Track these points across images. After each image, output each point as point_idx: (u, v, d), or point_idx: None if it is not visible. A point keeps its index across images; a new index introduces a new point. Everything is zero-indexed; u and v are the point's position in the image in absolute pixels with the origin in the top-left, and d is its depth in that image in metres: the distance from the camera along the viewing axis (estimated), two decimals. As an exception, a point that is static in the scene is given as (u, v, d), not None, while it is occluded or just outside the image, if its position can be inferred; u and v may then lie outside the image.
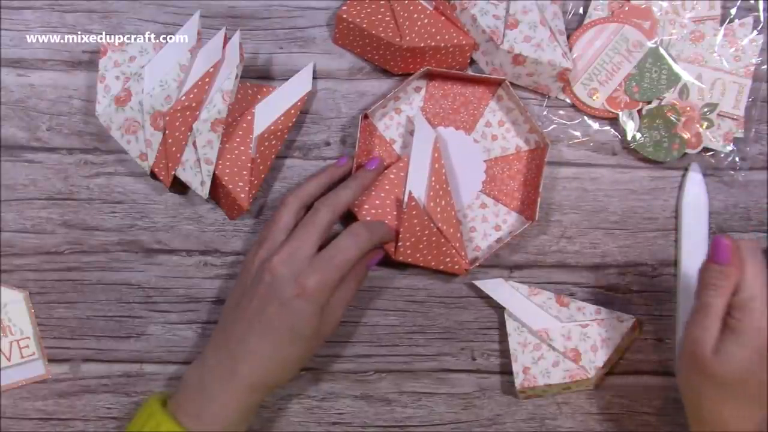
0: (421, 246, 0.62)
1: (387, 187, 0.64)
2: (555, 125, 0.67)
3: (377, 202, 0.63)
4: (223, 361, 0.56)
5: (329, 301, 0.58)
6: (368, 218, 0.63)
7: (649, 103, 0.67)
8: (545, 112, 0.67)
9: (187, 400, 0.56)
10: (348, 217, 0.64)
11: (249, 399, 0.56)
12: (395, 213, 0.63)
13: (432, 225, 0.62)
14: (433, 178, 0.63)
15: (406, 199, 0.62)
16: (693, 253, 0.66)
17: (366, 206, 0.63)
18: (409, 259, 0.63)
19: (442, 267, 0.63)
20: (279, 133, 0.64)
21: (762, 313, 0.51)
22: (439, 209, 0.63)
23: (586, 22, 0.67)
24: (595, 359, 0.64)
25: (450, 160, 0.66)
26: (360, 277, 0.61)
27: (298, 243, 0.57)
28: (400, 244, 0.62)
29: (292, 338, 0.56)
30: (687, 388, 0.56)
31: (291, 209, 0.60)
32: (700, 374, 0.53)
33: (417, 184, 0.63)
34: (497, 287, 0.65)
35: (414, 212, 0.62)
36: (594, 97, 0.67)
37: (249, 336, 0.56)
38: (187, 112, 0.62)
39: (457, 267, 0.63)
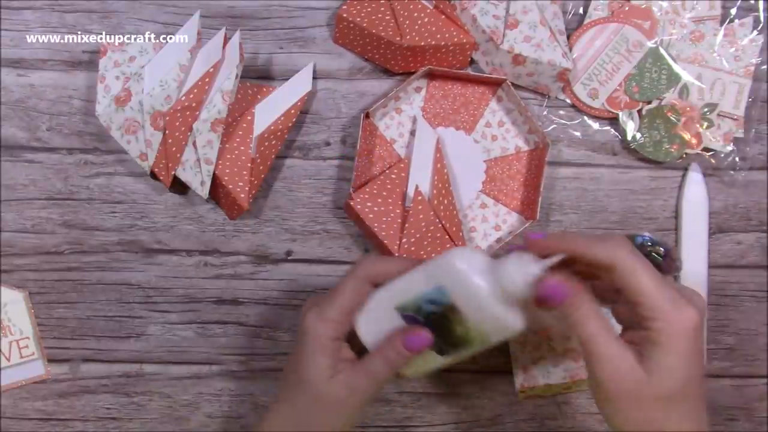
0: (425, 243, 0.62)
1: (389, 187, 0.64)
2: (555, 125, 0.67)
3: (379, 200, 0.63)
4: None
5: (349, 363, 0.52)
6: (371, 215, 0.63)
7: (649, 103, 0.67)
8: (545, 112, 0.67)
9: None
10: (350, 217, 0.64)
11: None
12: (398, 212, 0.63)
13: (437, 220, 0.62)
14: (436, 178, 0.63)
15: (411, 193, 0.63)
16: (693, 253, 0.66)
17: (368, 206, 0.63)
18: (412, 257, 0.63)
19: None
20: (279, 133, 0.64)
21: (679, 314, 0.46)
22: (442, 207, 0.63)
23: (586, 22, 0.67)
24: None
25: (450, 160, 0.66)
26: (393, 354, 0.51)
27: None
28: (404, 240, 0.62)
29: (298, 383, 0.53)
30: (625, 424, 0.48)
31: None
32: (637, 402, 0.47)
33: (419, 185, 0.63)
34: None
35: (420, 206, 0.62)
36: (594, 97, 0.67)
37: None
38: (187, 112, 0.62)
39: None
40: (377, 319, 0.52)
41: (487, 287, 0.47)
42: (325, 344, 0.51)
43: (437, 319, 0.50)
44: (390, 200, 0.64)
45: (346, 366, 0.52)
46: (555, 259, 0.47)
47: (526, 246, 0.49)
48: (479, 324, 0.48)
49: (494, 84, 0.67)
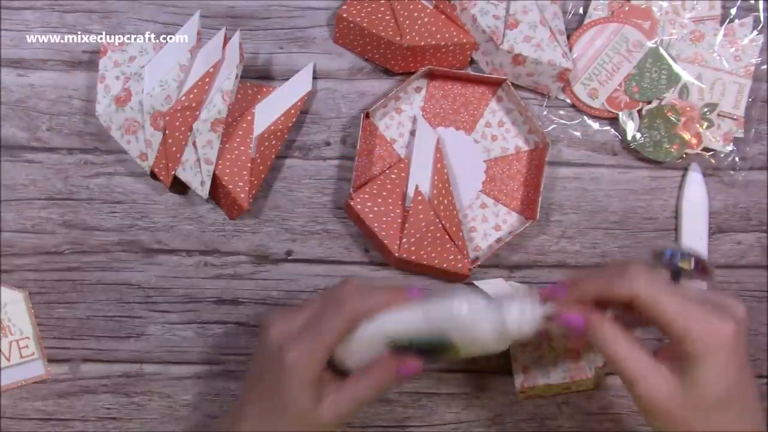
0: (425, 243, 0.62)
1: (389, 186, 0.64)
2: (555, 125, 0.67)
3: (379, 200, 0.63)
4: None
5: (333, 386, 0.51)
6: (371, 215, 0.63)
7: (649, 103, 0.67)
8: (545, 112, 0.67)
9: None
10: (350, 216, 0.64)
11: None
12: (398, 212, 0.63)
13: (437, 220, 0.62)
14: (436, 178, 0.63)
15: (411, 193, 0.63)
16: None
17: (368, 206, 0.63)
18: (413, 257, 0.63)
19: (445, 265, 0.63)
20: (279, 133, 0.64)
21: (711, 329, 0.46)
22: (442, 207, 0.63)
23: (586, 22, 0.67)
24: (595, 359, 0.63)
25: (450, 160, 0.66)
26: (382, 381, 0.51)
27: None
28: (404, 240, 0.62)
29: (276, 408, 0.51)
30: None
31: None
32: (680, 416, 0.48)
33: (419, 185, 0.63)
34: (497, 287, 0.65)
35: (420, 206, 0.62)
36: (594, 97, 0.67)
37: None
38: (187, 112, 0.62)
39: (460, 266, 0.63)
40: (363, 348, 0.51)
41: (491, 333, 0.48)
42: (312, 379, 0.50)
43: (429, 349, 0.50)
44: (390, 200, 0.64)
45: (330, 390, 0.51)
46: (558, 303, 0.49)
47: (544, 300, 0.50)
48: (471, 352, 0.50)
49: (494, 84, 0.67)
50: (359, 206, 0.63)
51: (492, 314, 0.48)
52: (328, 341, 0.50)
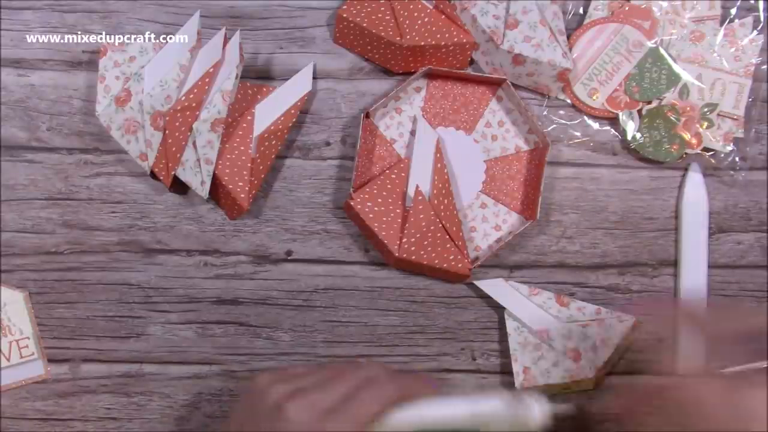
0: (425, 243, 0.62)
1: (389, 186, 0.64)
2: (555, 125, 0.67)
3: (379, 200, 0.63)
4: None
5: None
6: (371, 215, 0.63)
7: (649, 103, 0.67)
8: (545, 112, 0.67)
9: None
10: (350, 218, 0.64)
11: None
12: (398, 212, 0.63)
13: (437, 221, 0.62)
14: (436, 178, 0.63)
15: (411, 193, 0.63)
16: (693, 253, 0.66)
17: (368, 206, 0.63)
18: (413, 257, 0.63)
19: (445, 265, 0.63)
20: (279, 133, 0.64)
21: None
22: (442, 207, 0.63)
23: (586, 22, 0.67)
24: (595, 359, 0.64)
25: (450, 160, 0.66)
26: None
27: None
28: (404, 240, 0.62)
29: None
30: None
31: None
32: None
33: (419, 185, 0.63)
34: (497, 287, 0.65)
35: (420, 206, 0.62)
36: (594, 97, 0.67)
37: None
38: (187, 112, 0.62)
39: (460, 266, 0.63)
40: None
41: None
42: None
43: None
44: (390, 200, 0.64)
45: None
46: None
47: (700, 332, 0.48)
48: None
49: (494, 84, 0.67)
50: (359, 206, 0.63)
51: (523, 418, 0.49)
52: (365, 421, 0.48)
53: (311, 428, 0.47)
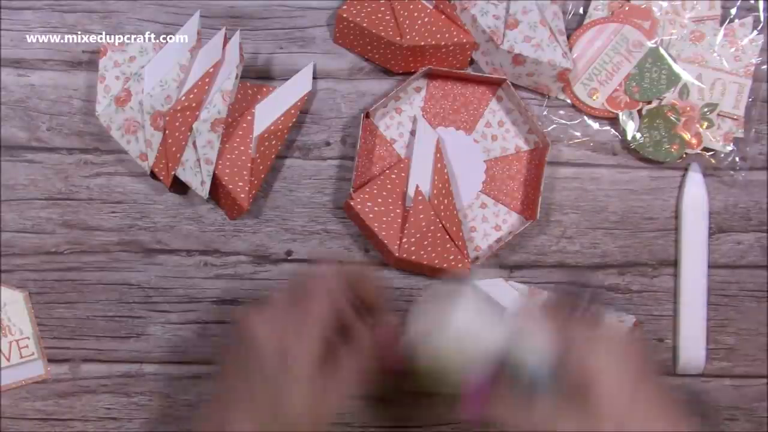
0: (425, 243, 0.62)
1: (389, 186, 0.64)
2: (555, 125, 0.67)
3: (379, 200, 0.63)
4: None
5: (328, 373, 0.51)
6: (371, 215, 0.63)
7: (649, 103, 0.67)
8: (545, 112, 0.67)
9: None
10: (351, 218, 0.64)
11: None
12: (398, 211, 0.63)
13: (437, 221, 0.62)
14: (436, 178, 0.63)
15: (411, 193, 0.63)
16: (693, 253, 0.66)
17: (368, 206, 0.63)
18: (413, 257, 0.63)
19: (445, 265, 0.63)
20: (279, 133, 0.64)
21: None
22: (442, 207, 0.63)
23: (586, 22, 0.67)
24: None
25: (450, 160, 0.66)
26: (366, 348, 0.53)
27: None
28: (404, 240, 0.62)
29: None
30: None
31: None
32: None
33: (420, 184, 0.63)
34: (497, 287, 0.65)
35: (420, 206, 0.62)
36: (594, 97, 0.67)
37: None
38: (187, 112, 0.62)
39: (460, 266, 0.63)
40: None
41: None
42: (311, 374, 0.50)
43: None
44: (390, 200, 0.64)
45: (324, 379, 0.50)
46: None
47: None
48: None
49: (494, 84, 0.67)
50: (359, 206, 0.63)
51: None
52: (320, 334, 0.50)
53: (273, 350, 0.50)
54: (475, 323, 0.51)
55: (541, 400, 0.49)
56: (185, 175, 0.63)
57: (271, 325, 0.51)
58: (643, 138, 0.66)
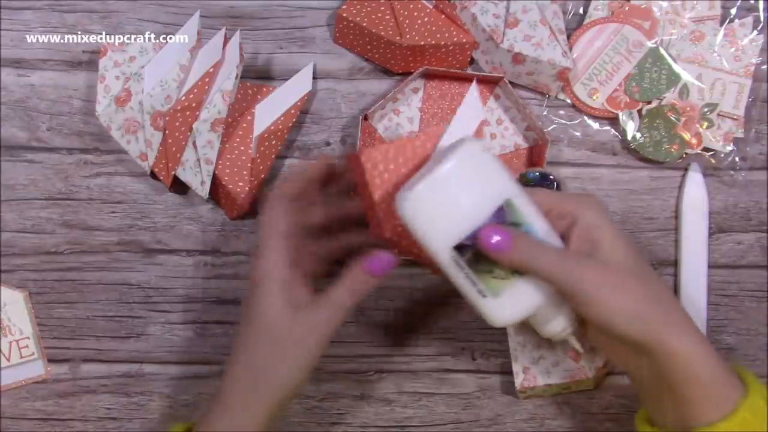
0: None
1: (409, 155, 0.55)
2: (555, 125, 0.67)
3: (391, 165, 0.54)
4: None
5: (308, 296, 0.52)
6: (383, 205, 0.54)
7: (649, 103, 0.67)
8: (545, 112, 0.67)
9: None
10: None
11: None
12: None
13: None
14: None
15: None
16: (693, 253, 0.66)
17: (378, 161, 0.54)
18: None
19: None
20: (279, 133, 0.64)
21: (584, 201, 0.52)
22: None
23: (586, 22, 0.67)
24: (595, 359, 0.63)
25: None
26: (357, 284, 0.52)
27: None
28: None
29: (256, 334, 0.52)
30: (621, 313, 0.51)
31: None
32: (615, 285, 0.50)
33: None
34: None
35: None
36: (594, 97, 0.67)
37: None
38: (187, 112, 0.62)
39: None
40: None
41: None
42: (281, 278, 0.51)
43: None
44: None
45: (305, 301, 0.52)
46: None
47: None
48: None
49: (491, 82, 0.67)
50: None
51: None
52: (277, 243, 0.52)
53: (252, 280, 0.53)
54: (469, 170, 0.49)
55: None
56: (185, 175, 0.63)
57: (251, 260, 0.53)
58: (643, 138, 0.66)
